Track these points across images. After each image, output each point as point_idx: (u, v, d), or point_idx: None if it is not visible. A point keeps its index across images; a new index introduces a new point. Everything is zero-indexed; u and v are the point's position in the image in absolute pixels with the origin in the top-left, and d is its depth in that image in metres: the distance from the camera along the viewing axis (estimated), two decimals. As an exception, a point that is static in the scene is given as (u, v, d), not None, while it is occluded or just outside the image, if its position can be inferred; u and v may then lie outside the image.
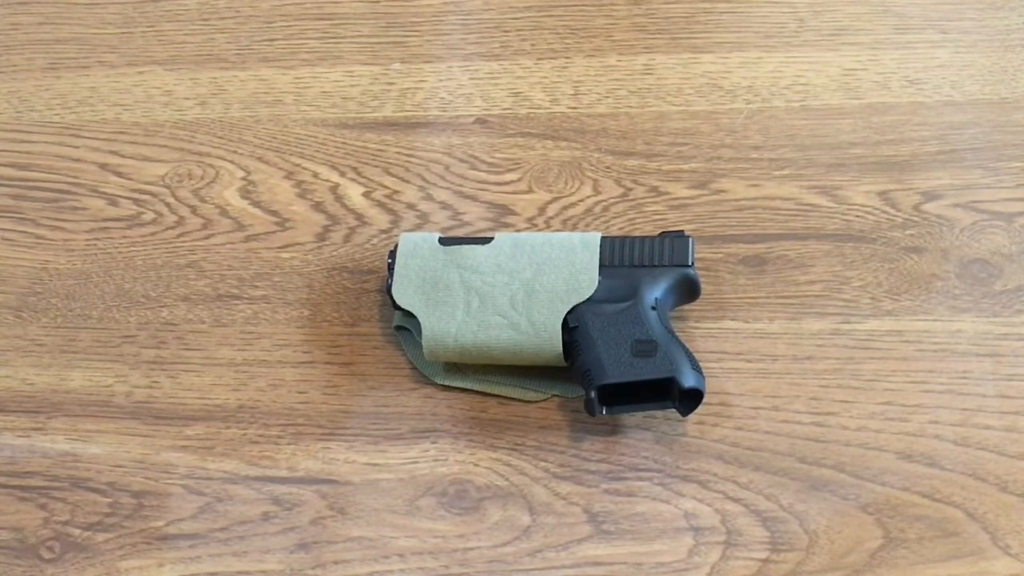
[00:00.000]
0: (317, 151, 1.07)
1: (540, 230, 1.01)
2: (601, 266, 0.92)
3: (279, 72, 1.12)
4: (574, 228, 1.00)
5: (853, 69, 1.08)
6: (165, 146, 1.08)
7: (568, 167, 1.04)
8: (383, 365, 0.95)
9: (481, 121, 1.07)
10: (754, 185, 1.02)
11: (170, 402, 0.94)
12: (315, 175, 1.05)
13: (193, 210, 1.04)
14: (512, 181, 1.04)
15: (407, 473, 0.90)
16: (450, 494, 0.88)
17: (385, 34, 1.14)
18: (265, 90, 1.11)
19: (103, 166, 1.07)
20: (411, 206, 1.03)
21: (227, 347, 0.96)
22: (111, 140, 1.09)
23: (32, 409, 0.94)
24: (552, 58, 1.11)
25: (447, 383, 0.93)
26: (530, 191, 1.03)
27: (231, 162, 1.06)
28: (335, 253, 1.01)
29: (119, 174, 1.07)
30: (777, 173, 1.02)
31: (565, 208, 1.02)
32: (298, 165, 1.06)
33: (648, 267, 0.91)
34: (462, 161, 1.05)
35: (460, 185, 1.04)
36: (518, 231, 1.01)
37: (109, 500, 0.90)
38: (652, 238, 0.93)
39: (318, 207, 1.03)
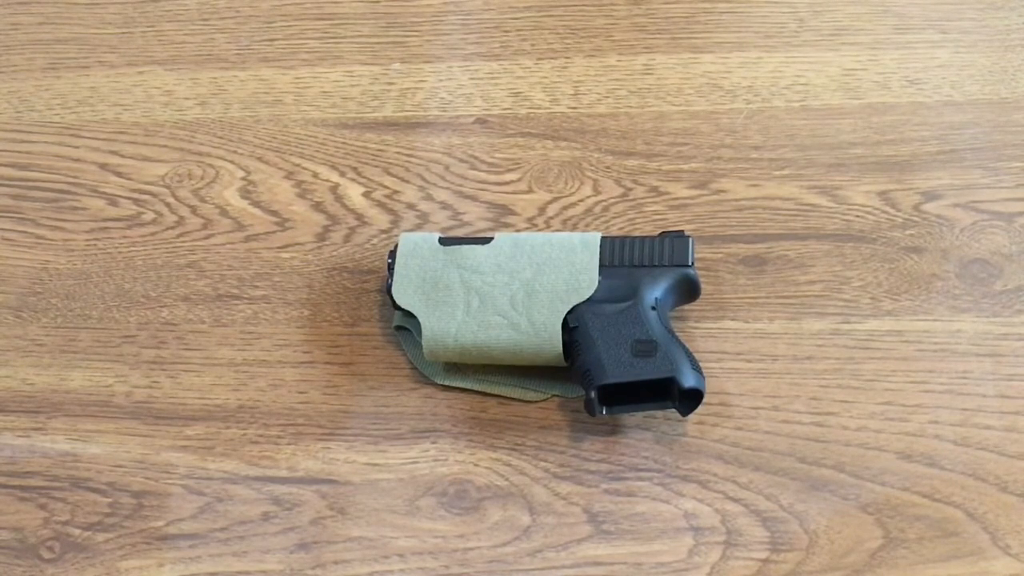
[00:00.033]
0: (317, 151, 1.07)
1: (540, 230, 1.01)
2: (601, 266, 0.92)
3: (279, 72, 1.12)
4: (574, 228, 1.00)
5: (853, 69, 1.08)
6: (165, 146, 1.08)
7: (568, 167, 1.04)
8: (383, 365, 0.95)
9: (481, 121, 1.07)
10: (754, 185, 1.02)
11: (170, 402, 0.94)
12: (315, 175, 1.05)
13: (193, 210, 1.04)
14: (512, 181, 1.04)
15: (407, 473, 0.90)
16: (450, 494, 0.88)
17: (385, 34, 1.14)
18: (265, 90, 1.11)
19: (103, 166, 1.07)
20: (411, 206, 1.03)
21: (227, 347, 0.96)
22: (111, 140, 1.09)
23: (32, 409, 0.94)
24: (552, 58, 1.11)
25: (447, 383, 0.93)
26: (530, 191, 1.03)
27: (231, 162, 1.06)
28: (335, 253, 1.01)
29: (119, 174, 1.07)
30: (777, 173, 1.02)
31: (565, 208, 1.02)
32: (298, 165, 1.06)
33: (648, 267, 0.91)
34: (462, 161, 1.05)
35: (460, 185, 1.04)
36: (518, 231, 1.01)
37: (109, 500, 0.90)
38: (652, 238, 0.93)
39: (318, 207, 1.03)
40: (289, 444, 0.91)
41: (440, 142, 1.06)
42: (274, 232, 1.02)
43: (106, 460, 0.92)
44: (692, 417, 0.89)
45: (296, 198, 1.04)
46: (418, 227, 1.02)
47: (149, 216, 1.04)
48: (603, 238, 0.93)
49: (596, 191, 1.02)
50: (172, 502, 0.89)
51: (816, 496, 0.86)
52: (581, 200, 1.02)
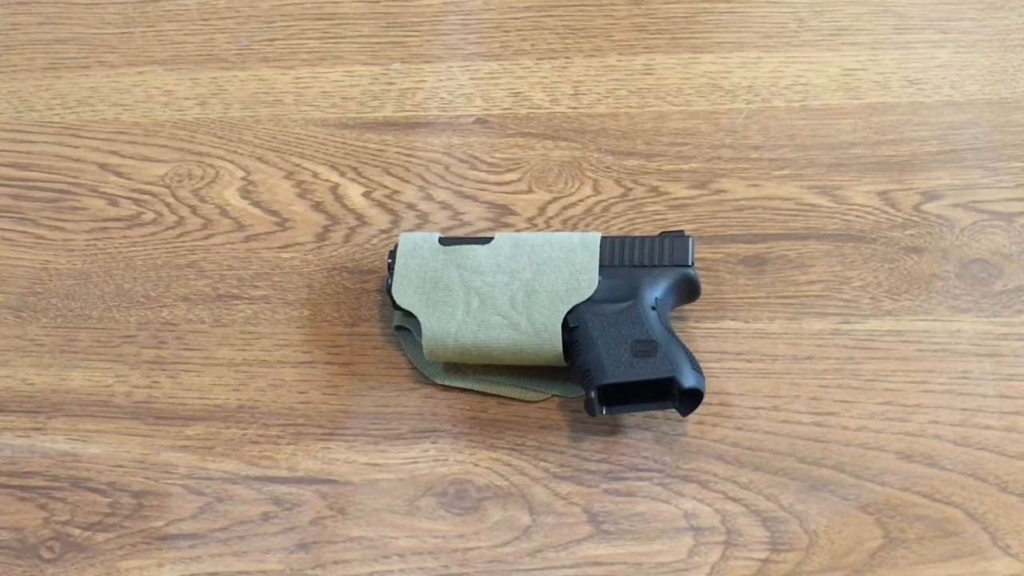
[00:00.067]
0: (317, 151, 1.07)
1: (540, 230, 1.01)
2: (601, 266, 0.92)
3: (279, 72, 1.12)
4: (574, 228, 1.00)
5: (853, 69, 1.08)
6: (165, 146, 1.08)
7: (568, 167, 1.04)
8: (383, 365, 0.95)
9: (481, 121, 1.07)
10: (754, 185, 1.02)
11: (170, 402, 0.94)
12: (315, 175, 1.05)
13: (193, 210, 1.04)
14: (512, 181, 1.04)
15: (407, 473, 0.90)
16: (450, 494, 0.88)
17: (385, 34, 1.14)
18: (265, 90, 1.11)
19: (103, 166, 1.07)
20: (411, 206, 1.03)
21: (227, 347, 0.96)
22: (111, 140, 1.09)
23: (32, 409, 0.94)
24: (552, 58, 1.11)
25: (447, 383, 0.93)
26: (530, 191, 1.03)
27: (231, 162, 1.06)
28: (335, 253, 1.01)
29: (119, 174, 1.07)
30: (777, 173, 1.02)
31: (565, 208, 1.02)
32: (298, 165, 1.06)
33: (648, 267, 0.91)
34: (462, 161, 1.05)
35: (460, 185, 1.04)
36: (518, 231, 1.01)
37: (109, 500, 0.90)
38: (652, 238, 0.93)
39: (318, 207, 1.03)
40: (289, 444, 0.91)
41: (440, 142, 1.06)
42: (274, 232, 1.02)
43: (106, 460, 0.92)
44: (692, 417, 0.89)
45: (296, 198, 1.04)
46: (418, 227, 1.02)
47: (149, 216, 1.04)
48: (603, 238, 0.93)
49: (596, 191, 1.02)
50: (172, 502, 0.89)
51: (816, 496, 0.86)
52: (581, 200, 1.02)
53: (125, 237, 1.03)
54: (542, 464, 0.89)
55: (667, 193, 1.02)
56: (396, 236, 1.01)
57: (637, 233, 0.99)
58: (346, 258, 1.00)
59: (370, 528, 0.87)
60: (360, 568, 0.86)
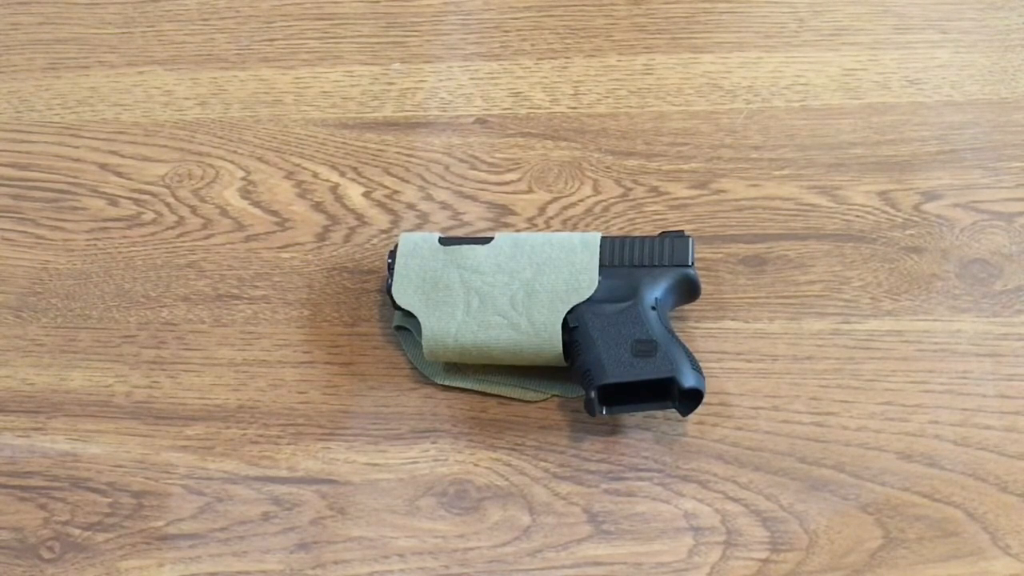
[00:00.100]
0: (317, 151, 1.07)
1: (540, 230, 1.01)
2: (601, 266, 0.92)
3: (279, 72, 1.12)
4: (574, 228, 1.00)
5: (853, 69, 1.08)
6: (165, 146, 1.08)
7: (568, 167, 1.04)
8: (383, 365, 0.95)
9: (481, 121, 1.07)
10: (754, 185, 1.02)
11: (170, 402, 0.94)
12: (315, 175, 1.05)
13: (193, 210, 1.04)
14: (512, 181, 1.04)
15: (407, 473, 0.90)
16: (450, 494, 0.88)
17: (385, 34, 1.14)
18: (265, 90, 1.11)
19: (103, 166, 1.07)
20: (411, 206, 1.03)
21: (227, 347, 0.96)
22: (111, 140, 1.09)
23: (32, 409, 0.94)
24: (552, 58, 1.11)
25: (447, 383, 0.93)
26: (530, 191, 1.03)
27: (231, 162, 1.06)
28: (335, 253, 1.01)
29: (119, 174, 1.07)
30: (777, 173, 1.02)
31: (565, 208, 1.02)
32: (298, 165, 1.06)
33: (648, 267, 0.91)
34: (462, 161, 1.05)
35: (460, 185, 1.04)
36: (518, 231, 1.01)
37: (109, 500, 0.90)
38: (652, 238, 0.93)
39: (318, 207, 1.03)
40: (289, 444, 0.91)
41: (440, 142, 1.06)
42: (274, 232, 1.02)
43: (106, 460, 0.92)
44: (692, 417, 0.89)
45: (296, 198, 1.04)
46: (418, 227, 1.02)
47: (149, 216, 1.04)
48: (603, 238, 0.93)
49: (596, 191, 1.02)
50: (172, 502, 0.89)
51: (816, 496, 0.86)
52: (581, 200, 1.02)
53: (125, 237, 1.03)
54: (542, 464, 0.89)
55: (667, 193, 1.02)
56: (396, 236, 1.01)
57: (637, 233, 0.99)
58: (346, 258, 1.00)
59: (370, 528, 0.87)
60: (360, 568, 0.86)
